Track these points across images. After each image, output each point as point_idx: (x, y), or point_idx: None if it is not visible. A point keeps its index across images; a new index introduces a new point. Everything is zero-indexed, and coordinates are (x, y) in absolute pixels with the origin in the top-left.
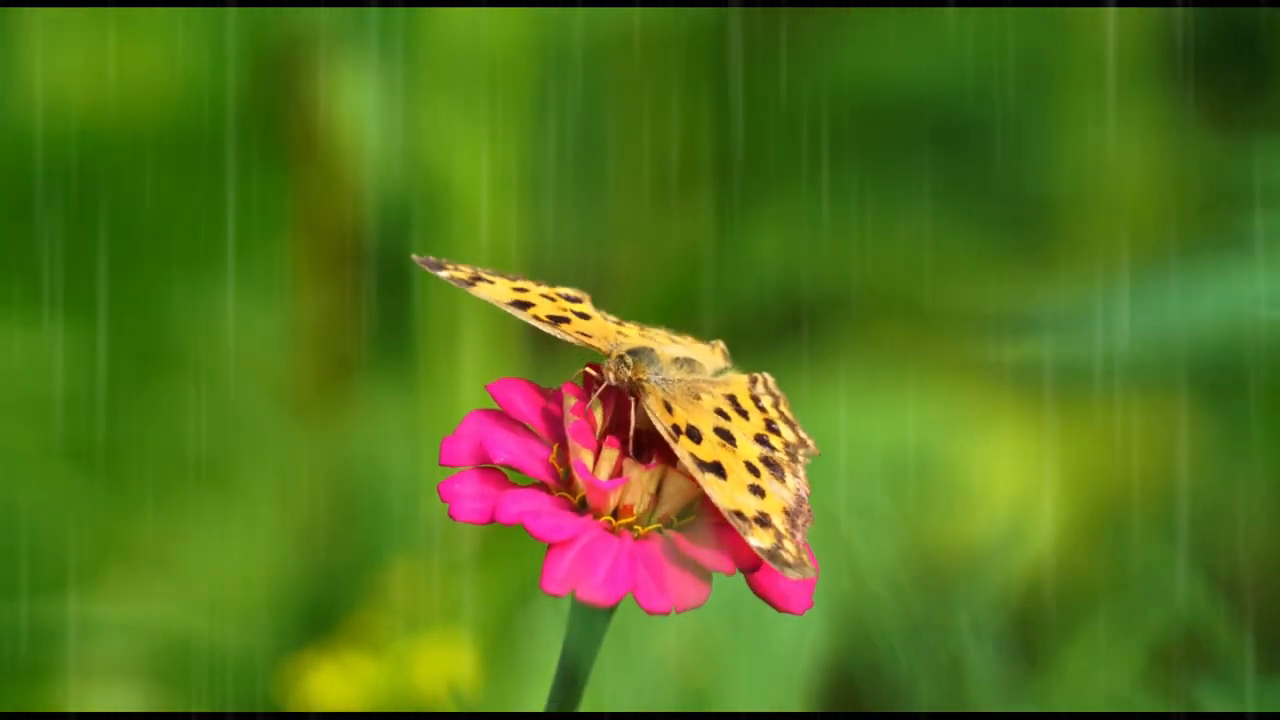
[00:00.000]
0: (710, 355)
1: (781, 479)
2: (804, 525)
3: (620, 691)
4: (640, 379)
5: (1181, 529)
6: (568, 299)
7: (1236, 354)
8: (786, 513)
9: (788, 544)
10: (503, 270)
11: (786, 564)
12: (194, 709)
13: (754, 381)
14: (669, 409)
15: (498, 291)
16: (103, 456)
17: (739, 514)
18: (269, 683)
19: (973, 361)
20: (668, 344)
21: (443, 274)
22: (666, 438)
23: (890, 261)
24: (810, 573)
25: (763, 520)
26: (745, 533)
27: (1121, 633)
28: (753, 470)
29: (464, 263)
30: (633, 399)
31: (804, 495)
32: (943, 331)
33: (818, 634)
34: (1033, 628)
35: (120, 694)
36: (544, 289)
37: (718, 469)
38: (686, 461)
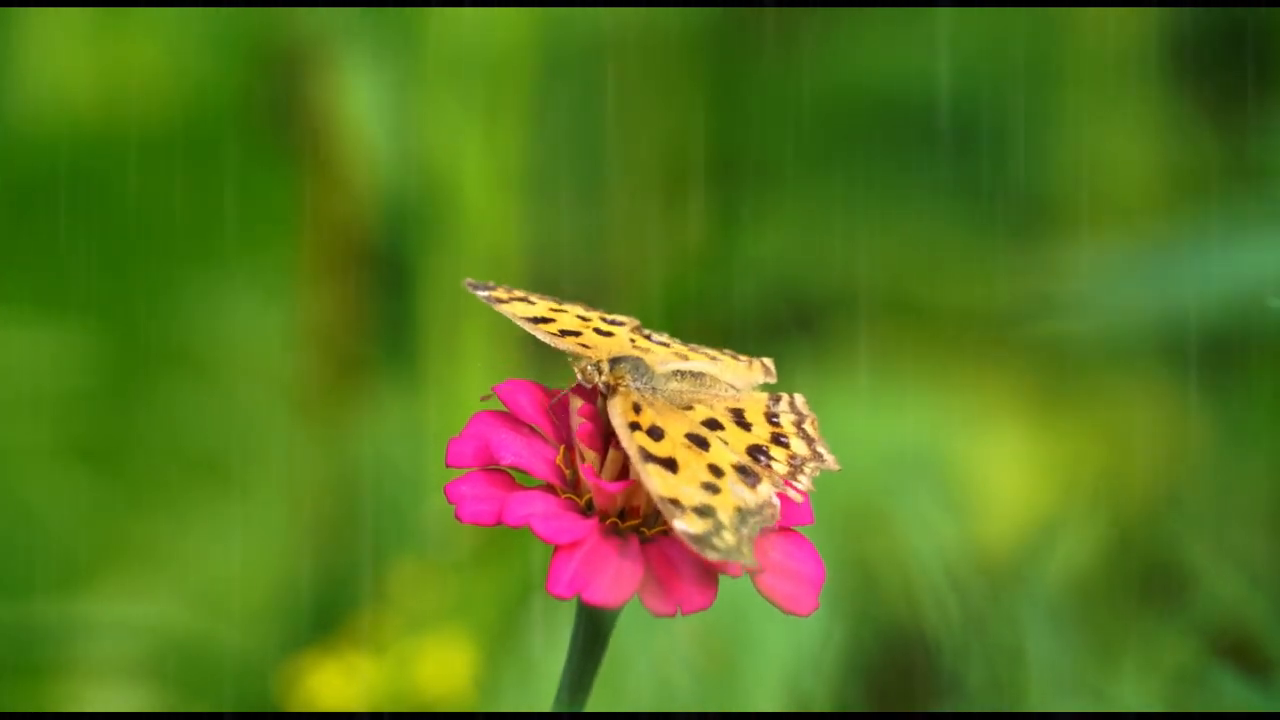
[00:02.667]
0: (745, 373)
1: (753, 486)
2: (756, 524)
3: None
4: (615, 384)
5: (1220, 522)
6: (610, 322)
7: (1238, 335)
8: (739, 510)
9: (726, 534)
10: (555, 297)
11: (714, 548)
12: (195, 709)
13: (776, 400)
14: (637, 409)
15: (526, 308)
16: (108, 455)
17: (675, 501)
18: (271, 682)
19: (977, 357)
20: (699, 359)
21: (482, 294)
22: (620, 432)
23: (892, 259)
24: (742, 559)
25: (703, 511)
26: (673, 516)
27: (1165, 629)
28: (715, 472)
29: (517, 288)
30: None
31: (774, 501)
32: (947, 328)
33: (832, 631)
34: (1078, 621)
35: (121, 694)
36: (582, 311)
37: (669, 464)
38: (632, 452)
